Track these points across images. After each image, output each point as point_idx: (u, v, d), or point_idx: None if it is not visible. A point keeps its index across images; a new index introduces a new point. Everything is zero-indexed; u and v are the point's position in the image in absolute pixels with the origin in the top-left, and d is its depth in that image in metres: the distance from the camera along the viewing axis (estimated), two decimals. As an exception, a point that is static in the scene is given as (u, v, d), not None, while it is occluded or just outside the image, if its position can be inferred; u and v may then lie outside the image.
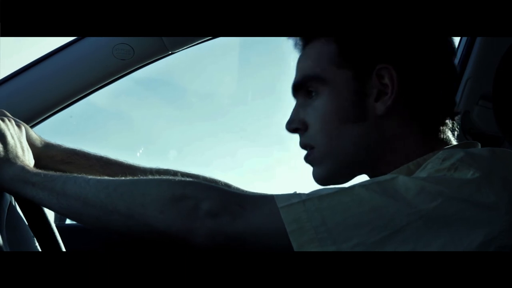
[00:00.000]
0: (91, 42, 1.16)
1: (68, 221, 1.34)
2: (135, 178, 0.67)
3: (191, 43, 1.22)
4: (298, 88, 0.77)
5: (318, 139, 0.74)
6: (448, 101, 0.75)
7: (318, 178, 0.76)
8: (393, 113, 0.71)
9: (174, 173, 0.89)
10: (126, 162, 0.92)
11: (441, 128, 0.74)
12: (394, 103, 0.70)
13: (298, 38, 0.79)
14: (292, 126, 0.77)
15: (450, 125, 0.75)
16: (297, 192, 0.61)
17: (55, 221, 1.12)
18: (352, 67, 0.72)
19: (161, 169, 0.91)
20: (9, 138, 0.73)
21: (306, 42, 0.78)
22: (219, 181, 0.95)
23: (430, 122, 0.73)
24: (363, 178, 0.76)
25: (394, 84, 0.70)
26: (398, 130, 0.71)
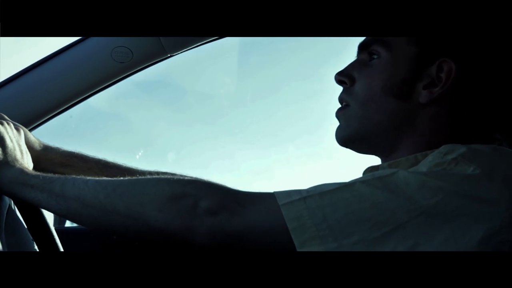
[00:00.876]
0: (89, 45, 1.16)
1: (67, 224, 1.34)
2: (133, 178, 0.67)
3: (190, 46, 1.22)
4: (364, 48, 0.77)
5: (357, 99, 0.75)
6: (493, 119, 0.73)
7: (340, 136, 0.76)
8: (434, 106, 0.71)
9: (173, 175, 0.89)
10: (124, 165, 0.92)
11: (474, 140, 0.72)
12: (439, 98, 0.70)
13: None
14: (340, 77, 0.77)
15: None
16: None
17: (54, 224, 1.13)
18: (421, 47, 0.72)
19: (160, 171, 0.91)
20: (7, 141, 0.73)
21: None
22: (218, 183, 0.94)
23: (465, 131, 0.72)
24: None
25: (448, 80, 0.70)
26: (430, 124, 0.71)
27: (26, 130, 0.83)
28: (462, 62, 0.70)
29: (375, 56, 0.75)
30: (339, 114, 0.77)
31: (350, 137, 0.75)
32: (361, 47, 0.78)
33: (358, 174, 0.80)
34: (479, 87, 0.71)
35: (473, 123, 0.72)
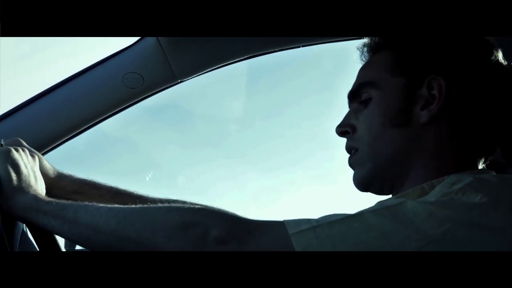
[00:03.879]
0: (101, 71, 1.19)
1: (77, 247, 1.34)
2: (145, 205, 0.68)
3: (200, 72, 1.24)
4: (354, 96, 0.81)
5: (362, 141, 0.77)
6: (494, 128, 0.75)
7: (357, 181, 0.78)
8: (435, 124, 0.73)
9: (183, 203, 0.90)
10: (135, 192, 0.93)
11: (479, 153, 0.75)
12: (438, 114, 0.73)
13: (365, 49, 0.84)
14: (341, 129, 0.80)
15: (489, 154, 0.76)
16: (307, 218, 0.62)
17: (65, 247, 1.13)
18: (407, 75, 0.76)
19: (171, 199, 0.92)
20: (22, 167, 0.74)
21: (372, 53, 0.83)
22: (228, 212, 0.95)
23: (469, 144, 0.74)
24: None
25: (441, 94, 0.73)
26: (436, 140, 0.73)
27: (41, 156, 0.84)
28: (449, 75, 0.73)
29: (367, 100, 0.78)
30: (351, 161, 0.80)
31: (367, 178, 0.77)
32: (351, 96, 0.82)
33: (363, 197, 0.81)
34: (473, 96, 0.73)
35: (476, 133, 0.74)
